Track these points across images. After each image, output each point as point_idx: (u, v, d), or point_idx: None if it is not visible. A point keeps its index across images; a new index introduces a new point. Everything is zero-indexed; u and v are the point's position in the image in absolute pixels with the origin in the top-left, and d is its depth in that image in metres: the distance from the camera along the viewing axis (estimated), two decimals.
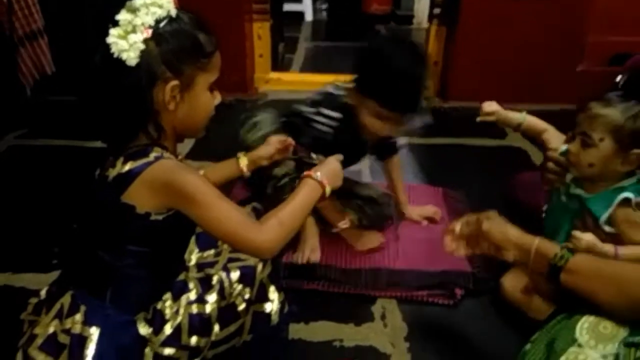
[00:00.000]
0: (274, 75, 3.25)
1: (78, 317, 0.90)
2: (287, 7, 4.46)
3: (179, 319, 0.94)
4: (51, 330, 0.91)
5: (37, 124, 2.57)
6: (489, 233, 1.03)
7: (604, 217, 1.14)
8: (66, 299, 0.92)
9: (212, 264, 1.05)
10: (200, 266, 1.06)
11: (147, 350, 0.92)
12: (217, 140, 1.79)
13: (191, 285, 0.99)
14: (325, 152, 1.36)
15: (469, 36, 2.86)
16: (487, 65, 2.90)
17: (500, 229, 1.03)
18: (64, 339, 0.90)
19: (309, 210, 0.98)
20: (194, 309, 0.96)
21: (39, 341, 0.90)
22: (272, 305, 1.04)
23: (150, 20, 0.83)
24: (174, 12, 0.86)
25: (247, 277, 1.01)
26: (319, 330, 1.28)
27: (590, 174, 1.16)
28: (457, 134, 2.56)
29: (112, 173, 0.87)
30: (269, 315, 1.03)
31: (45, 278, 1.34)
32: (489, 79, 2.92)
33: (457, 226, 1.09)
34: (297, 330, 1.27)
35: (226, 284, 0.99)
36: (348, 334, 1.27)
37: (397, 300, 1.39)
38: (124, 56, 0.81)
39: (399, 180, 1.70)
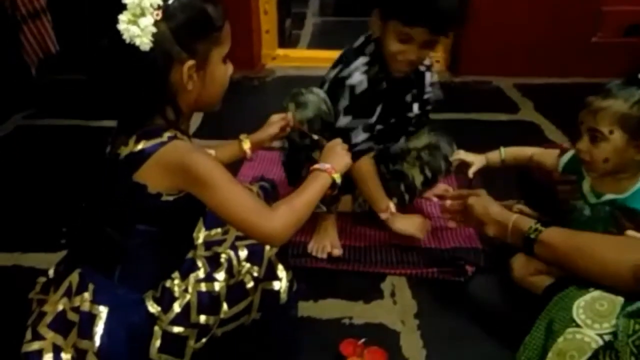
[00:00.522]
0: (281, 51, 3.20)
1: (87, 295, 0.90)
2: None
3: (188, 297, 0.94)
4: (60, 308, 0.91)
5: (44, 103, 2.57)
6: (472, 207, 1.12)
7: None
8: (74, 277, 0.93)
9: (219, 242, 1.04)
10: (207, 244, 1.05)
11: (156, 328, 0.92)
12: (224, 117, 1.77)
13: (199, 263, 0.98)
14: (368, 110, 1.38)
15: (481, 8, 2.79)
16: (499, 38, 2.83)
17: (484, 204, 1.12)
18: (73, 316, 0.90)
19: (319, 200, 0.97)
20: (203, 287, 0.95)
21: (48, 319, 0.91)
22: (281, 283, 1.03)
23: (158, 0, 0.79)
24: None
25: (255, 255, 1.01)
26: (328, 308, 1.27)
27: (607, 170, 1.12)
28: (469, 109, 2.51)
29: (124, 151, 0.85)
30: (277, 293, 1.03)
31: (54, 258, 1.34)
32: (501, 52, 2.86)
33: (448, 201, 1.19)
34: (306, 308, 1.26)
35: (234, 262, 0.99)
36: (357, 312, 1.26)
37: (407, 277, 1.38)
38: (138, 42, 0.78)
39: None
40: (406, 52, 1.29)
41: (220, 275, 0.97)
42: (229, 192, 0.85)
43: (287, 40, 3.52)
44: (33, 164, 2.04)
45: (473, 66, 2.92)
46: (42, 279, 1.01)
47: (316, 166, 1.00)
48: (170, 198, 0.87)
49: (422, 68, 1.48)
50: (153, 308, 0.93)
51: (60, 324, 0.90)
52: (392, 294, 1.32)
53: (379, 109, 1.41)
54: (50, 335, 0.90)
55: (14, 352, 0.91)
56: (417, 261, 1.41)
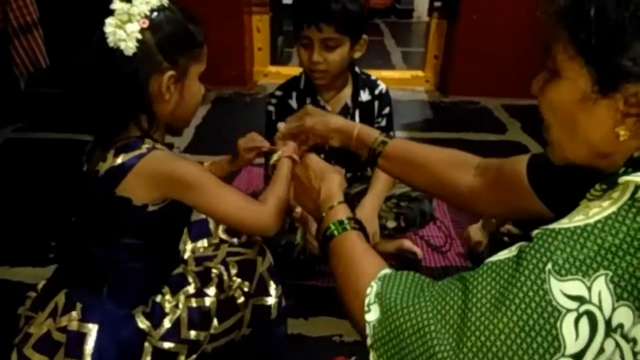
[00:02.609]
0: (273, 68, 3.24)
1: (74, 314, 0.88)
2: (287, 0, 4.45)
3: (178, 312, 0.93)
4: (45, 329, 0.89)
5: (33, 117, 2.56)
6: (313, 128, 1.04)
7: None
8: (60, 298, 0.91)
9: (211, 258, 1.04)
10: (198, 260, 1.05)
11: (147, 344, 0.91)
12: (216, 133, 1.79)
13: (190, 278, 0.98)
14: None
15: (470, 30, 2.85)
16: (488, 60, 2.89)
17: (322, 120, 1.05)
18: (58, 336, 0.88)
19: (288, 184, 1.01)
20: (193, 302, 0.95)
21: (33, 340, 0.89)
22: (272, 298, 1.03)
23: (146, 10, 0.81)
24: (166, 2, 0.85)
25: (246, 270, 1.01)
26: (318, 325, 1.27)
27: None
28: (457, 129, 2.55)
29: (104, 167, 0.85)
30: (268, 308, 1.03)
31: (42, 272, 1.33)
32: (489, 73, 2.91)
33: (282, 128, 1.08)
34: (297, 325, 1.26)
35: (225, 277, 0.99)
36: (348, 330, 1.26)
37: None
38: (122, 45, 0.79)
39: (376, 187, 1.47)
40: (308, 55, 1.34)
41: (211, 291, 0.97)
42: (219, 193, 0.88)
43: (279, 57, 3.56)
44: (21, 177, 2.03)
45: (462, 87, 2.98)
46: (32, 294, 0.99)
47: (274, 158, 1.04)
48: (156, 207, 0.87)
49: (364, 97, 1.49)
50: (143, 324, 0.91)
51: (46, 346, 0.89)
52: None
53: None
54: (36, 357, 0.88)
55: None
56: None
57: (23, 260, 1.47)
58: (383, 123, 1.54)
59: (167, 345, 0.92)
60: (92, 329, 0.88)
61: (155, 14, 0.82)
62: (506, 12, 2.79)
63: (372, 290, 0.65)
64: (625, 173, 0.51)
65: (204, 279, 0.98)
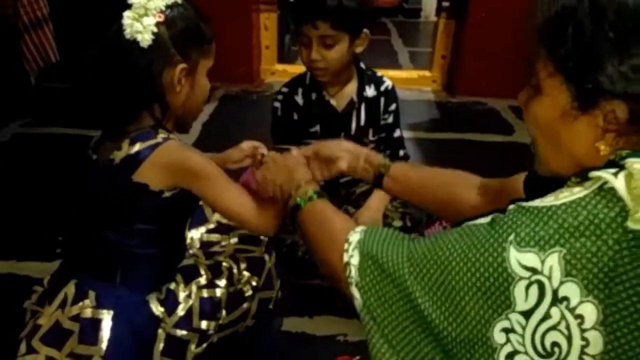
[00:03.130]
0: (280, 66, 3.24)
1: (87, 302, 0.91)
2: None
3: (191, 302, 0.97)
4: (54, 320, 0.91)
5: (42, 112, 2.57)
6: (325, 146, 1.05)
7: None
8: (69, 289, 0.93)
9: (219, 253, 1.09)
10: (208, 254, 1.09)
11: (160, 331, 0.94)
12: (223, 130, 1.79)
13: (202, 270, 1.02)
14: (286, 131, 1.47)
15: (478, 30, 2.84)
16: (495, 61, 2.88)
17: (334, 141, 1.08)
18: (70, 325, 0.90)
19: None
20: (205, 293, 0.99)
21: (42, 332, 0.91)
22: (274, 291, 1.08)
23: (162, 5, 0.86)
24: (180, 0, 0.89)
25: (255, 266, 1.06)
26: (323, 325, 1.27)
27: None
28: (464, 129, 2.54)
29: (119, 155, 0.88)
30: (270, 300, 1.08)
31: (49, 267, 1.34)
32: (496, 74, 2.90)
33: (295, 151, 1.05)
34: (301, 324, 1.26)
35: (235, 270, 1.03)
36: (352, 329, 1.26)
37: None
38: (139, 37, 0.83)
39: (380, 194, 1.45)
40: (307, 53, 1.34)
41: (222, 282, 1.01)
42: (225, 187, 0.93)
43: (286, 55, 3.56)
44: (30, 172, 2.04)
45: (469, 87, 2.97)
46: (39, 289, 1.01)
47: None
48: (169, 194, 0.90)
49: (370, 93, 1.49)
50: (157, 310, 0.94)
51: (55, 337, 0.90)
52: None
53: (315, 130, 1.47)
54: (44, 349, 0.90)
55: None
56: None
57: (30, 254, 1.49)
58: (390, 120, 1.53)
59: (180, 332, 0.95)
60: (107, 315, 0.90)
61: (169, 9, 0.87)
62: (514, 13, 2.77)
63: (354, 238, 0.69)
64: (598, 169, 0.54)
65: (215, 271, 1.02)
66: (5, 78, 2.40)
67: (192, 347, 0.97)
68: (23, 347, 0.91)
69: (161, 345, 0.94)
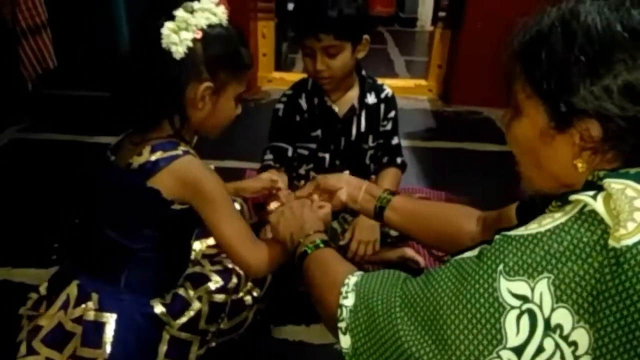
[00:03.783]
0: (277, 74, 3.25)
1: (90, 304, 0.91)
2: (292, 6, 4.47)
3: (199, 305, 0.99)
4: (56, 322, 0.91)
5: (39, 117, 2.57)
6: (326, 178, 1.08)
7: None
8: (72, 290, 0.93)
9: (226, 259, 1.11)
10: (212, 262, 1.11)
11: (164, 333, 0.96)
12: (219, 138, 1.77)
13: (211, 275, 1.04)
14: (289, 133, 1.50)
15: (473, 40, 2.86)
16: (491, 69, 2.89)
17: (335, 174, 1.11)
18: (72, 327, 0.91)
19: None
20: (216, 297, 1.01)
21: (43, 333, 0.91)
22: (266, 301, 1.13)
23: (204, 24, 0.88)
24: (225, 22, 0.93)
25: (259, 278, 1.10)
26: (319, 333, 1.27)
27: None
28: (460, 138, 2.56)
29: (138, 160, 0.90)
30: (261, 312, 1.12)
31: (45, 273, 1.33)
32: (492, 83, 2.91)
33: (297, 192, 1.12)
34: (299, 332, 1.26)
35: (242, 279, 1.07)
36: None
37: None
38: (173, 49, 0.86)
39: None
40: (312, 63, 1.37)
41: (231, 289, 1.04)
42: (230, 218, 0.94)
43: (283, 63, 3.58)
44: (26, 177, 2.03)
45: (465, 96, 2.99)
46: (35, 295, 1.01)
47: (272, 206, 1.13)
48: (178, 207, 0.92)
49: (370, 100, 1.51)
50: (162, 314, 0.95)
51: (56, 338, 0.91)
52: None
53: (316, 134, 1.50)
54: (44, 350, 0.90)
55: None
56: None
57: (25, 261, 1.48)
58: (388, 126, 1.55)
59: (185, 335, 0.97)
60: (111, 318, 0.91)
61: (210, 28, 0.90)
62: (510, 23, 2.80)
63: (351, 281, 0.71)
64: (577, 192, 0.55)
65: (225, 277, 1.05)
66: (2, 84, 2.40)
67: (195, 348, 0.99)
68: (23, 349, 0.91)
69: (165, 347, 0.95)
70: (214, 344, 1.04)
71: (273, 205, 1.10)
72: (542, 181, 0.67)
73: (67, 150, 2.27)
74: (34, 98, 2.65)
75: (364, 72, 1.51)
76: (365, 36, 1.39)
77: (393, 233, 1.50)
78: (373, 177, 1.60)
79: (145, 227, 0.93)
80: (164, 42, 0.86)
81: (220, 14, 0.91)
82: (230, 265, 1.07)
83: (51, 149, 2.28)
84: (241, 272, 1.07)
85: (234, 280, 1.05)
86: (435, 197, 1.87)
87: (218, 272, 1.06)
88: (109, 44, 2.75)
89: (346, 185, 1.06)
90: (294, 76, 3.46)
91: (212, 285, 1.02)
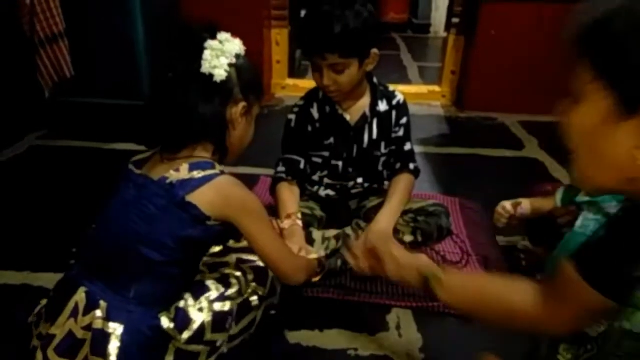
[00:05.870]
0: (291, 81, 3.27)
1: (98, 312, 0.92)
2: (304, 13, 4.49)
3: (203, 317, 0.98)
4: (67, 330, 0.92)
5: (57, 125, 2.61)
6: (374, 243, 1.08)
7: None
8: (80, 297, 0.94)
9: (224, 265, 1.12)
10: (211, 267, 1.12)
11: (170, 345, 0.96)
12: None
13: (211, 285, 1.04)
14: (301, 143, 1.53)
15: (487, 46, 2.86)
16: (505, 76, 2.89)
17: (390, 244, 1.10)
18: (83, 334, 0.91)
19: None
20: (216, 307, 1.01)
21: (56, 342, 0.92)
22: (276, 298, 1.13)
23: (234, 51, 0.98)
24: (242, 52, 1.01)
25: (261, 277, 1.10)
26: (333, 338, 1.27)
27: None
28: (474, 144, 2.55)
29: (176, 176, 0.94)
30: (272, 307, 1.13)
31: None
32: (506, 89, 2.91)
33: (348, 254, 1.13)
34: (312, 338, 1.26)
35: (243, 283, 1.07)
36: (363, 343, 1.26)
37: (413, 310, 1.38)
38: (215, 72, 0.94)
39: (392, 201, 1.50)
40: (320, 78, 1.39)
41: (233, 294, 1.04)
42: (272, 234, 1.04)
43: (296, 70, 3.60)
44: (44, 184, 2.07)
45: (479, 102, 2.98)
46: (44, 302, 1.03)
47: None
48: (213, 223, 0.95)
49: (382, 108, 1.51)
50: (169, 328, 0.95)
51: (68, 347, 0.92)
52: (398, 327, 1.33)
53: (329, 142, 1.51)
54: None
55: None
56: (423, 295, 1.42)
57: (44, 265, 1.50)
58: (400, 133, 1.55)
59: (192, 347, 0.97)
60: (117, 329, 0.91)
61: (238, 58, 0.99)
62: (524, 29, 2.80)
63: None
64: None
65: (224, 284, 1.05)
66: (20, 92, 2.44)
67: (203, 358, 0.98)
68: (40, 357, 0.92)
69: (171, 359, 0.95)
70: (225, 350, 1.04)
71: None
72: (603, 175, 0.63)
73: (85, 157, 2.30)
74: (52, 106, 2.70)
75: (375, 80, 1.52)
76: (374, 50, 1.40)
77: (407, 239, 1.50)
78: (386, 183, 1.60)
79: (171, 240, 0.94)
80: (206, 67, 0.94)
81: (240, 45, 1.00)
82: (227, 272, 1.08)
83: (69, 155, 2.32)
84: (241, 277, 1.08)
85: (235, 286, 1.06)
86: (448, 203, 1.86)
87: (217, 280, 1.06)
88: (124, 54, 2.80)
89: (395, 265, 1.05)
90: (308, 83, 3.48)
91: (213, 295, 1.03)
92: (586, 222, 1.26)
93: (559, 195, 1.36)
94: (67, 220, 1.75)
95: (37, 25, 2.41)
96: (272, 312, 1.14)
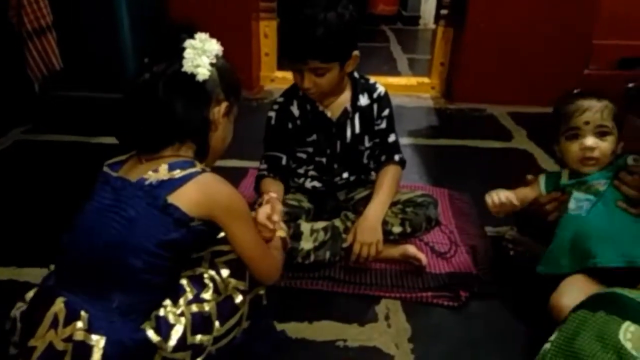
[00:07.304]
0: (280, 74, 3.25)
1: (80, 324, 0.87)
2: None
3: (184, 320, 0.94)
4: (47, 342, 0.87)
5: (44, 119, 2.59)
6: None
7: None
8: (59, 307, 0.89)
9: (198, 261, 1.03)
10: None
11: (156, 356, 0.91)
12: None
13: (185, 285, 0.98)
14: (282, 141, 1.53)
15: (476, 38, 2.86)
16: (494, 67, 2.90)
17: None
18: (64, 346, 0.87)
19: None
20: (194, 308, 0.96)
21: (37, 355, 0.87)
22: (262, 288, 1.08)
23: (214, 51, 0.97)
24: (221, 53, 1.00)
25: (238, 270, 1.03)
26: (322, 330, 1.27)
27: (607, 162, 1.27)
28: (462, 136, 2.56)
29: (156, 177, 0.92)
30: (261, 297, 1.07)
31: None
32: (495, 80, 2.92)
33: None
34: (301, 329, 1.26)
35: (218, 280, 1.00)
36: (352, 334, 1.27)
37: (401, 301, 1.39)
38: (197, 71, 0.93)
39: (380, 193, 1.50)
40: (300, 79, 1.39)
41: (208, 295, 0.98)
42: (250, 229, 1.01)
43: (285, 62, 3.58)
44: (31, 178, 2.05)
45: (468, 94, 2.98)
46: (20, 305, 0.99)
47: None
48: (197, 223, 0.93)
49: (363, 102, 1.51)
50: (155, 338, 0.90)
51: (49, 359, 0.87)
52: (387, 318, 1.33)
53: (312, 139, 1.51)
54: None
55: None
56: (411, 285, 1.42)
57: (30, 261, 1.49)
58: (383, 125, 1.55)
59: (178, 355, 0.92)
60: (100, 341, 0.86)
61: (218, 58, 0.98)
62: (513, 20, 2.80)
63: None
64: None
65: (198, 285, 0.99)
66: (9, 85, 2.41)
67: None
68: None
69: None
70: (213, 351, 0.99)
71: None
72: None
73: (72, 152, 2.28)
74: (40, 100, 2.67)
75: (356, 74, 1.51)
76: (355, 52, 1.40)
77: (395, 230, 1.50)
78: (373, 173, 1.60)
79: (153, 245, 0.90)
80: (187, 66, 0.93)
81: (219, 46, 0.99)
82: (200, 271, 1.01)
83: (55, 150, 2.30)
84: (215, 275, 1.00)
85: (209, 288, 0.99)
86: (437, 194, 1.87)
87: (191, 279, 1.00)
88: (111, 46, 2.78)
89: None
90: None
91: (189, 296, 0.97)
92: (579, 203, 1.27)
93: (542, 181, 1.38)
94: (53, 215, 1.73)
95: (25, 18, 2.38)
96: (264, 302, 1.08)
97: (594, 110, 1.25)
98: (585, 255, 1.19)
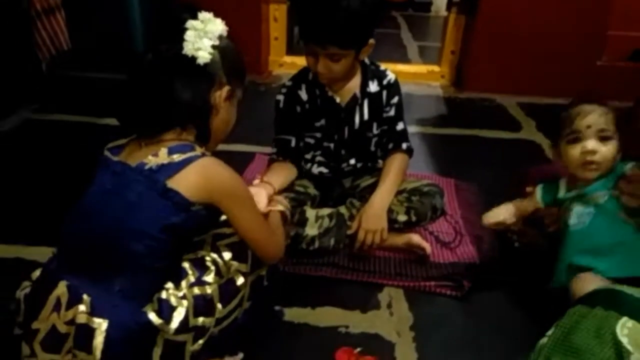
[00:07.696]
0: (289, 58, 3.24)
1: (82, 307, 0.87)
2: None
3: (186, 303, 0.93)
4: (50, 325, 0.88)
5: (53, 98, 2.59)
6: None
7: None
8: (61, 291, 0.89)
9: (200, 243, 1.03)
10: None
11: (158, 337, 0.91)
12: None
13: (187, 268, 0.98)
14: (291, 124, 1.53)
15: (488, 26, 2.83)
16: (505, 56, 2.87)
17: None
18: (66, 329, 0.87)
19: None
20: (196, 290, 0.96)
21: (40, 337, 0.88)
22: (264, 269, 1.07)
23: (216, 32, 0.95)
24: (225, 33, 0.97)
25: (240, 254, 1.02)
26: (325, 316, 1.28)
27: (607, 168, 1.25)
28: (471, 125, 2.54)
29: (155, 161, 0.91)
30: (262, 277, 1.07)
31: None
32: (505, 70, 2.89)
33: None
34: (303, 315, 1.27)
35: (220, 263, 1.00)
36: (354, 321, 1.28)
37: (404, 289, 1.39)
38: (198, 54, 0.92)
39: (386, 181, 1.50)
40: (315, 64, 1.37)
41: (210, 278, 0.98)
42: (252, 211, 1.01)
43: (294, 47, 3.56)
44: (39, 158, 2.06)
45: (478, 83, 2.95)
46: (26, 285, 0.99)
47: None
48: (197, 208, 0.92)
49: (373, 88, 1.50)
50: (157, 321, 0.90)
51: (53, 342, 0.88)
52: (389, 305, 1.34)
53: (321, 124, 1.51)
54: (43, 355, 0.88)
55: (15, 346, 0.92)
56: (415, 274, 1.43)
57: (37, 239, 1.50)
58: (392, 112, 1.54)
59: (180, 337, 0.92)
60: (102, 324, 0.87)
61: (221, 39, 0.96)
62: (525, 10, 2.76)
63: None
64: None
65: (200, 268, 0.99)
66: (17, 64, 2.42)
67: (189, 346, 0.94)
68: (27, 350, 0.90)
69: (159, 350, 0.91)
70: (216, 332, 0.99)
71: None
72: None
73: (80, 132, 2.29)
74: (47, 79, 2.67)
75: (366, 60, 1.50)
76: (371, 40, 1.38)
77: (400, 219, 1.50)
78: (380, 161, 1.60)
79: (155, 229, 0.90)
80: (188, 49, 0.91)
81: (223, 26, 0.97)
82: (202, 254, 1.00)
83: (63, 130, 2.31)
84: (217, 259, 0.99)
85: (211, 271, 0.98)
86: (443, 183, 1.86)
87: (193, 262, 0.99)
88: (121, 26, 2.77)
89: None
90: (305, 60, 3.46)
91: (191, 279, 0.96)
92: (581, 218, 1.26)
93: (538, 193, 1.39)
94: (60, 194, 1.74)
95: None
96: (265, 283, 1.07)
97: (596, 114, 1.24)
98: (589, 270, 1.19)
